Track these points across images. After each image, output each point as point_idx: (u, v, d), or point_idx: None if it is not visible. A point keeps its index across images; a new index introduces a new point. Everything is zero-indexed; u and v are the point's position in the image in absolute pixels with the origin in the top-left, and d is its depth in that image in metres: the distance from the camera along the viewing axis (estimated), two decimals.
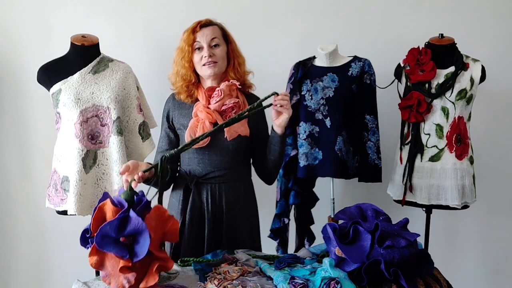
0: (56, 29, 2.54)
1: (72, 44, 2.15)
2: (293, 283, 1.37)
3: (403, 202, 2.27)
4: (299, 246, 2.43)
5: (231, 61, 1.86)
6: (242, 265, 1.53)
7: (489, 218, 2.76)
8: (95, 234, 1.35)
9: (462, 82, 2.16)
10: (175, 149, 1.57)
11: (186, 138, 1.82)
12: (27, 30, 2.57)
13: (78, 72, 2.11)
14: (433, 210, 2.31)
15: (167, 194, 1.90)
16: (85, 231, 1.42)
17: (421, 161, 2.21)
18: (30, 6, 2.56)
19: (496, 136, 2.68)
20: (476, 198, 2.25)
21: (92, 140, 2.11)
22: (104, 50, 2.22)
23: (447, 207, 2.22)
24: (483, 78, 2.21)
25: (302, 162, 2.24)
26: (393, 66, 2.34)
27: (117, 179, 2.12)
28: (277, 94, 1.69)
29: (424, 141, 2.21)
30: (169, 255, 1.84)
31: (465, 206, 2.24)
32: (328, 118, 2.23)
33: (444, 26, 2.38)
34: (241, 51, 1.90)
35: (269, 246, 2.20)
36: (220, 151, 1.81)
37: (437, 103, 2.18)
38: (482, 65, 2.20)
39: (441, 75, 2.18)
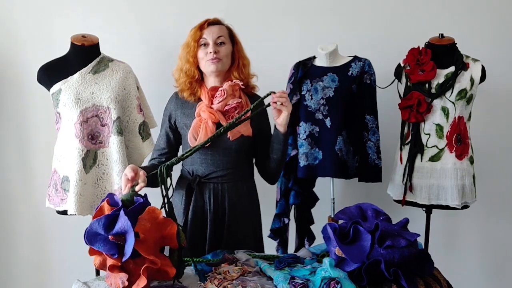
0: (56, 29, 2.54)
1: (72, 44, 2.15)
2: (293, 283, 1.37)
3: (403, 202, 2.27)
4: (299, 246, 2.43)
5: (235, 61, 1.86)
6: (242, 265, 1.53)
7: (489, 218, 2.76)
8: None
9: (462, 82, 2.16)
10: (176, 158, 1.63)
11: (189, 138, 1.82)
12: (27, 30, 2.57)
13: (78, 72, 2.11)
14: (433, 210, 2.31)
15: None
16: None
17: (421, 161, 2.21)
18: (31, 6, 2.56)
19: (496, 136, 2.68)
20: (476, 198, 2.25)
21: (92, 140, 2.11)
22: (104, 50, 2.22)
23: (447, 207, 2.22)
24: (483, 78, 2.21)
25: (302, 162, 2.24)
26: (393, 66, 2.34)
27: (117, 179, 2.12)
28: (274, 93, 1.69)
29: (424, 141, 2.21)
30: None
31: (465, 206, 2.24)
32: (328, 118, 2.23)
33: (444, 26, 2.38)
34: (246, 53, 1.90)
35: (269, 246, 2.20)
36: (223, 151, 1.82)
37: (437, 103, 2.18)
38: (482, 65, 2.20)
39: (441, 75, 2.18)
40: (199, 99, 1.86)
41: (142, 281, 1.33)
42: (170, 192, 1.56)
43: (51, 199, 2.17)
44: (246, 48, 1.93)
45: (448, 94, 2.16)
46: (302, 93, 2.27)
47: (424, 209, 2.31)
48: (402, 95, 2.27)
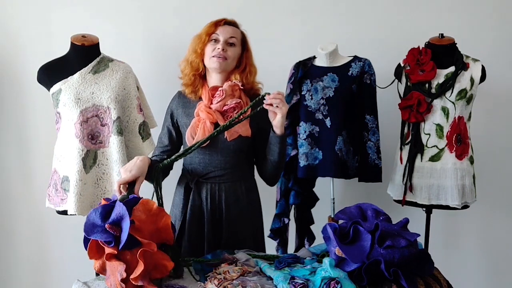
0: (56, 29, 2.54)
1: (72, 44, 2.15)
2: (293, 283, 1.37)
3: (403, 202, 2.27)
4: (299, 246, 2.43)
5: (241, 66, 1.85)
6: (242, 265, 1.53)
7: (489, 218, 2.76)
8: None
9: (462, 82, 2.16)
10: (169, 159, 1.70)
11: (187, 137, 1.83)
12: (27, 30, 2.57)
13: (78, 72, 2.11)
14: (433, 210, 2.31)
15: (169, 193, 1.91)
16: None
17: (421, 161, 2.21)
18: (31, 6, 2.56)
19: (496, 136, 2.68)
20: (476, 198, 2.25)
21: (92, 140, 2.11)
22: (104, 50, 2.22)
23: (447, 207, 2.22)
24: (483, 78, 2.21)
25: (302, 162, 2.24)
26: (393, 66, 2.34)
27: (117, 179, 2.11)
28: (269, 94, 1.67)
29: (424, 141, 2.21)
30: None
31: (465, 206, 2.24)
32: (328, 118, 2.23)
33: (444, 26, 2.38)
34: (255, 61, 1.90)
35: (269, 246, 2.20)
36: (220, 151, 1.81)
37: (437, 103, 2.18)
38: (482, 65, 2.20)
39: (441, 75, 2.18)
40: (200, 98, 1.86)
41: (140, 267, 1.33)
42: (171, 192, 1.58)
43: (51, 199, 2.17)
44: None
45: (448, 94, 2.16)
46: (302, 93, 2.27)
47: (424, 209, 2.31)
48: (402, 95, 2.27)
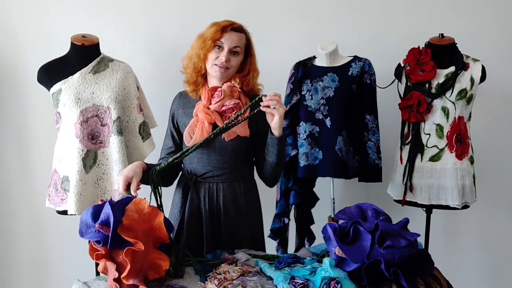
0: (56, 29, 2.53)
1: (72, 44, 2.15)
2: (293, 283, 1.37)
3: (403, 202, 2.27)
4: (299, 246, 2.43)
5: (244, 71, 1.85)
6: (242, 265, 1.53)
7: (489, 218, 2.76)
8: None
9: (462, 82, 2.16)
10: (166, 162, 1.71)
11: (185, 137, 1.83)
12: (27, 30, 2.57)
13: (78, 72, 2.11)
14: (433, 210, 2.31)
15: (169, 193, 1.91)
16: None
17: (421, 161, 2.21)
18: (30, 6, 2.56)
19: (496, 136, 2.68)
20: (476, 198, 2.25)
21: (92, 140, 2.11)
22: (104, 50, 2.22)
23: (447, 207, 2.22)
24: (483, 78, 2.20)
25: (302, 162, 2.24)
26: (393, 66, 2.34)
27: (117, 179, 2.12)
28: (266, 96, 1.65)
29: (424, 141, 2.21)
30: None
31: (465, 206, 2.24)
32: (328, 118, 2.23)
33: (444, 26, 2.38)
34: (257, 65, 1.89)
35: (269, 246, 2.20)
36: (219, 151, 1.81)
37: (437, 103, 2.17)
38: (482, 65, 2.20)
39: (441, 75, 2.18)
40: (200, 98, 1.87)
41: (127, 266, 1.34)
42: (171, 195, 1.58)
43: (51, 199, 2.17)
44: None
45: (448, 94, 2.16)
46: (302, 93, 2.27)
47: (424, 209, 2.31)
48: (402, 95, 2.27)
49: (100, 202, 1.44)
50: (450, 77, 2.17)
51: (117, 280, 1.35)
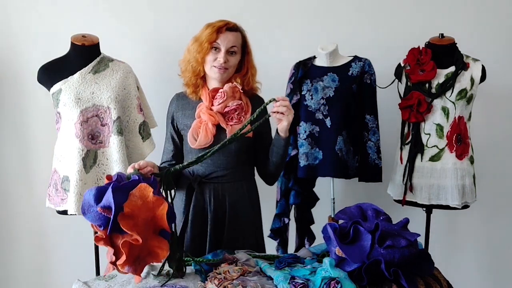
0: (57, 29, 2.54)
1: (72, 44, 2.15)
2: (293, 283, 1.37)
3: (403, 202, 2.27)
4: (299, 246, 2.43)
5: (243, 70, 1.86)
6: (242, 265, 1.53)
7: (489, 218, 2.76)
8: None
9: (463, 82, 2.16)
10: (180, 165, 1.64)
11: (189, 138, 1.82)
12: (27, 30, 2.57)
13: (78, 72, 2.11)
14: (433, 210, 2.31)
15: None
16: None
17: (421, 161, 2.21)
18: (31, 6, 2.56)
19: (496, 136, 2.68)
20: (476, 198, 2.25)
21: (92, 140, 2.11)
22: (104, 50, 2.22)
23: (447, 207, 2.22)
24: (483, 78, 2.20)
25: (302, 162, 2.24)
26: (393, 66, 2.34)
27: None
28: (276, 100, 1.65)
29: (424, 141, 2.21)
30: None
31: (465, 206, 2.24)
32: (328, 118, 2.23)
33: (444, 26, 2.38)
34: (255, 62, 1.90)
35: (269, 246, 2.20)
36: (223, 151, 1.81)
37: (438, 103, 2.18)
38: (482, 65, 2.20)
39: (442, 75, 2.18)
40: (200, 99, 1.87)
41: (122, 256, 1.33)
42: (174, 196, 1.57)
43: (51, 199, 2.17)
44: None
45: (448, 94, 2.16)
46: (302, 93, 2.27)
47: (424, 209, 2.31)
48: (402, 95, 2.27)
49: (106, 181, 1.41)
50: (450, 77, 2.17)
51: (114, 263, 1.35)
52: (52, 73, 2.12)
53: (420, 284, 1.41)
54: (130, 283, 1.50)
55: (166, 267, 1.60)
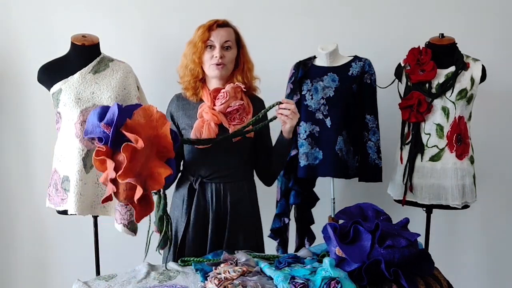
0: (57, 29, 2.53)
1: (72, 44, 2.15)
2: (294, 283, 1.37)
3: (403, 202, 2.27)
4: (299, 246, 2.43)
5: (240, 65, 1.87)
6: (242, 265, 1.53)
7: (489, 218, 2.76)
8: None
9: (463, 82, 2.16)
10: (190, 139, 1.78)
11: (191, 138, 1.82)
12: (27, 30, 2.57)
13: (78, 72, 2.11)
14: (434, 210, 2.31)
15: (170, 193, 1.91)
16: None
17: (421, 161, 2.21)
18: (31, 6, 2.56)
19: (496, 136, 2.67)
20: (476, 198, 2.25)
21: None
22: (104, 50, 2.22)
23: (447, 207, 2.22)
24: (483, 78, 2.20)
25: (303, 162, 2.24)
26: (394, 66, 2.34)
27: None
28: (281, 103, 1.69)
29: (424, 141, 2.21)
30: (173, 255, 1.84)
31: (465, 206, 2.24)
32: (329, 118, 2.23)
33: (445, 26, 2.38)
34: (251, 56, 1.91)
35: (269, 246, 2.20)
36: (224, 152, 1.82)
37: (438, 103, 2.17)
38: (482, 65, 2.20)
39: (442, 75, 2.18)
40: (201, 100, 1.87)
41: (124, 161, 1.33)
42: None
43: (51, 199, 2.17)
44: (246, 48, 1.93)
45: (448, 94, 2.16)
46: (302, 93, 2.27)
47: (424, 209, 2.31)
48: (402, 95, 2.27)
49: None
50: (450, 77, 2.17)
51: (114, 181, 1.34)
52: (52, 73, 2.12)
53: (420, 284, 1.41)
54: (130, 283, 1.50)
55: (167, 266, 1.60)
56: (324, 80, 2.25)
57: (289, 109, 1.68)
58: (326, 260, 1.41)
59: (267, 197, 2.30)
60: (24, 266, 2.79)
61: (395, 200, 2.35)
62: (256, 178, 1.98)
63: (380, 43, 2.58)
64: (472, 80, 2.17)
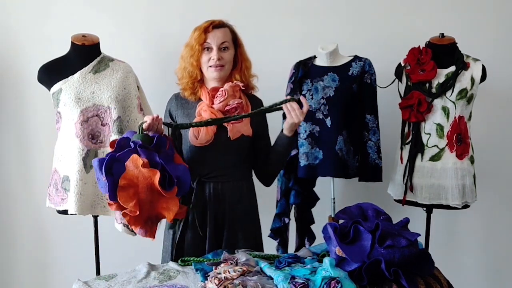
0: (57, 29, 2.53)
1: (72, 43, 2.15)
2: (294, 283, 1.37)
3: (403, 202, 2.27)
4: (299, 246, 2.43)
5: (238, 64, 1.87)
6: (242, 265, 1.53)
7: (489, 218, 2.76)
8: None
9: (463, 81, 2.16)
10: (188, 123, 1.78)
11: (190, 137, 1.83)
12: (27, 30, 2.57)
13: (78, 72, 2.11)
14: (434, 209, 2.31)
15: None
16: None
17: (421, 160, 2.21)
18: (30, 6, 2.56)
19: (496, 135, 2.67)
20: (476, 197, 2.25)
21: (93, 140, 2.11)
22: (104, 49, 2.22)
23: (447, 207, 2.22)
24: (483, 77, 2.20)
25: (303, 162, 2.24)
26: (394, 66, 2.34)
27: None
28: (295, 101, 1.71)
29: (424, 141, 2.21)
30: (171, 255, 1.84)
31: (465, 206, 2.24)
32: (329, 117, 2.23)
33: (445, 26, 2.38)
34: (248, 54, 1.91)
35: (269, 246, 2.20)
36: (223, 150, 1.82)
37: (438, 103, 2.17)
38: (482, 65, 2.20)
39: (442, 74, 2.18)
40: (200, 99, 1.87)
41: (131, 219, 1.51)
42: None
43: (51, 199, 2.17)
44: (246, 48, 1.94)
45: (448, 93, 2.16)
46: (303, 92, 2.27)
47: (425, 208, 2.31)
48: (402, 95, 2.27)
49: (110, 149, 1.59)
50: (451, 76, 2.17)
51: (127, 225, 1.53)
52: (52, 73, 2.12)
53: (420, 284, 1.41)
54: (130, 283, 1.50)
55: (167, 266, 1.60)
56: (324, 80, 2.25)
57: (295, 109, 1.69)
58: (326, 260, 1.41)
59: (267, 197, 2.31)
60: (24, 266, 2.79)
61: (395, 200, 2.35)
62: (255, 178, 1.98)
63: (380, 43, 2.58)
64: (472, 80, 2.17)
